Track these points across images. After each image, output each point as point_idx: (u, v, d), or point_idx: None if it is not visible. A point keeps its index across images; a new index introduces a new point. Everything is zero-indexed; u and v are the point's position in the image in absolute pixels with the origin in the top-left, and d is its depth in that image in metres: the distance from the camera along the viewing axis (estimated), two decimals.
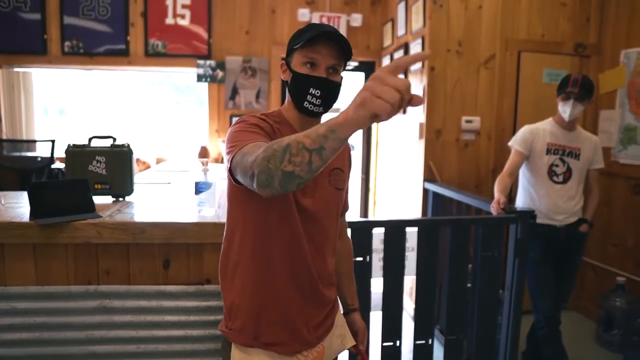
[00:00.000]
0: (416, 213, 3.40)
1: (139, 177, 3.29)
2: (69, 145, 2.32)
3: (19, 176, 3.57)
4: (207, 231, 1.84)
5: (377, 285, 2.08)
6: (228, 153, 1.09)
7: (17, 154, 3.93)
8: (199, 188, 1.92)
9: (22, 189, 3.53)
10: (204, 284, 1.87)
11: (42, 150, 3.95)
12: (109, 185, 2.28)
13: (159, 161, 4.29)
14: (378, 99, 0.77)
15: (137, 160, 4.17)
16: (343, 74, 1.28)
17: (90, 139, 2.34)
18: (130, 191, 2.33)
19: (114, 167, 2.28)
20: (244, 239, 1.26)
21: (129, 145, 2.32)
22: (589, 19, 3.45)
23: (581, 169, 2.56)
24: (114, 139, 2.34)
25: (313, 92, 1.20)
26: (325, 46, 1.18)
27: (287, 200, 1.21)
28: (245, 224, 1.25)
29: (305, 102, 1.22)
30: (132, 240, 1.84)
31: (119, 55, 3.96)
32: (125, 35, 3.95)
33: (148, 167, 4.11)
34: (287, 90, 1.30)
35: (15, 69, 4.03)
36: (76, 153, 2.28)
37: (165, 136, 5.03)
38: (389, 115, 0.78)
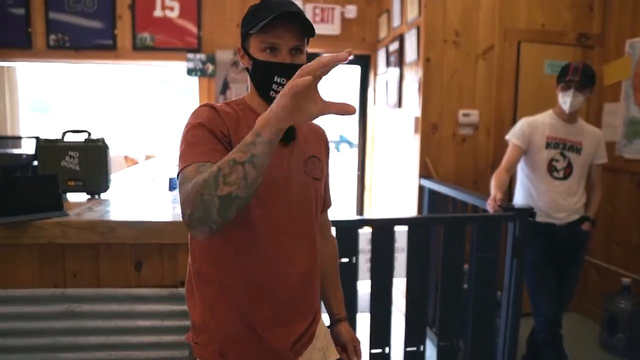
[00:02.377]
0: (412, 211, 3.27)
1: (123, 174, 3.19)
2: (40, 140, 2.21)
3: (1, 174, 3.45)
4: (182, 231, 1.74)
5: (364, 286, 1.95)
6: (178, 166, 1.03)
7: (1, 150, 3.82)
8: (173, 184, 1.81)
9: None
10: (179, 286, 1.78)
11: (28, 147, 3.84)
12: (82, 181, 2.18)
13: (148, 158, 4.18)
14: (289, 86, 0.81)
15: (126, 157, 4.07)
16: (309, 49, 1.16)
17: (63, 134, 2.23)
18: (105, 188, 2.22)
19: (88, 162, 2.17)
20: (204, 244, 1.14)
21: (103, 140, 2.21)
22: (592, 7, 3.31)
23: (583, 164, 2.42)
24: (89, 134, 2.23)
25: (278, 81, 1.09)
26: (285, 28, 1.06)
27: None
28: None
29: (271, 92, 1.10)
30: (101, 240, 1.74)
31: (106, 49, 3.84)
32: (113, 29, 3.83)
33: (136, 163, 4.01)
34: (249, 78, 1.17)
35: (0, 64, 3.93)
36: (48, 148, 2.18)
37: (157, 133, 4.94)
38: (307, 115, 0.85)
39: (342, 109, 0.83)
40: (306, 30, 1.08)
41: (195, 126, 1.06)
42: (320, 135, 1.31)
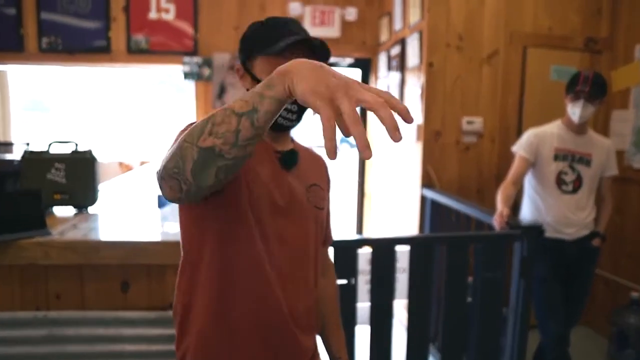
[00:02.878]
0: (413, 222, 3.17)
1: (116, 181, 3.10)
2: (25, 152, 2.12)
3: None
4: (170, 251, 1.65)
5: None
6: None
7: None
8: (162, 201, 1.72)
9: None
10: (167, 309, 1.69)
11: (20, 153, 3.75)
12: (69, 195, 2.09)
13: (142, 164, 4.08)
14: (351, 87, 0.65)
15: (120, 163, 3.97)
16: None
17: (50, 144, 2.14)
18: (92, 201, 2.13)
19: (74, 175, 2.08)
20: (196, 274, 1.03)
21: (91, 151, 2.11)
22: (601, 11, 3.20)
23: (592, 177, 2.32)
24: (76, 145, 2.13)
25: (289, 107, 1.00)
26: (300, 53, 0.97)
27: (249, 222, 0.98)
28: (200, 255, 1.01)
29: (280, 118, 1.01)
30: (84, 261, 1.65)
31: (100, 52, 3.74)
32: (107, 31, 3.73)
33: (130, 169, 3.91)
34: None
35: None
36: (33, 160, 2.09)
37: (154, 137, 4.84)
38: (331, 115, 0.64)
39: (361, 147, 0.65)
40: (319, 56, 1.00)
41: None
42: (322, 166, 1.22)
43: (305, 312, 1.09)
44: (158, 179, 0.81)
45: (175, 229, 1.73)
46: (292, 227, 1.05)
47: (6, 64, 3.77)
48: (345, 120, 0.63)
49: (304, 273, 1.09)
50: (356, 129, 0.62)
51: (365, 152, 0.62)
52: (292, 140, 1.15)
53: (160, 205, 1.72)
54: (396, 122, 0.63)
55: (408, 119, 0.66)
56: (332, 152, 0.63)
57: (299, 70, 0.68)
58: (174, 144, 0.84)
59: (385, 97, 0.65)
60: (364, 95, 0.64)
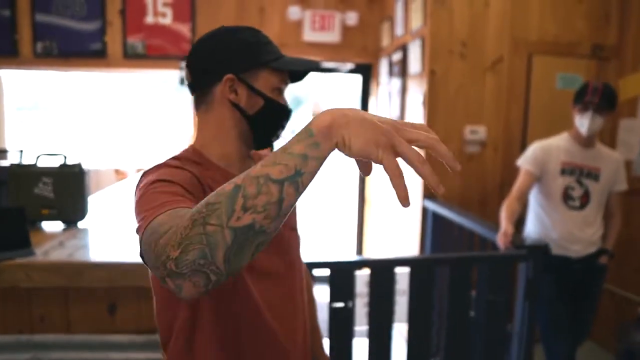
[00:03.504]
0: (414, 235, 3.09)
1: (110, 190, 3.04)
2: (11, 165, 2.05)
3: None
4: None
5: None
6: (137, 231, 0.75)
7: None
8: None
9: None
10: (156, 332, 1.61)
11: (14, 160, 3.67)
12: (57, 209, 2.02)
13: (139, 171, 4.01)
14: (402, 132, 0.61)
15: (116, 170, 3.90)
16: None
17: (37, 157, 2.07)
18: (81, 216, 2.06)
19: (62, 189, 2.01)
20: (190, 345, 0.93)
21: (80, 165, 2.04)
22: (609, 17, 3.11)
23: (601, 192, 2.23)
24: (65, 157, 2.06)
25: (284, 125, 1.00)
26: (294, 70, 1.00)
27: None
28: (192, 324, 0.92)
29: (274, 137, 0.99)
30: (68, 284, 1.58)
31: (96, 56, 3.67)
32: (102, 35, 3.65)
33: (125, 177, 3.84)
34: (230, 119, 0.96)
35: None
36: (20, 174, 2.02)
37: (150, 144, 4.76)
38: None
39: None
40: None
41: (154, 182, 0.82)
42: None
43: (302, 340, 1.04)
44: (166, 277, 0.61)
45: None
46: (278, 258, 0.99)
47: (0, 68, 3.71)
48: (414, 162, 0.59)
49: (294, 303, 1.03)
50: (426, 168, 0.60)
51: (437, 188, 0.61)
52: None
53: None
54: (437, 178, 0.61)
55: (455, 167, 0.62)
56: (406, 200, 0.60)
57: (346, 124, 0.60)
58: (147, 212, 0.73)
59: (433, 138, 0.62)
60: (415, 134, 0.61)
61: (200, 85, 0.97)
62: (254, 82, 0.94)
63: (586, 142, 2.23)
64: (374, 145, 0.59)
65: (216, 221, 0.58)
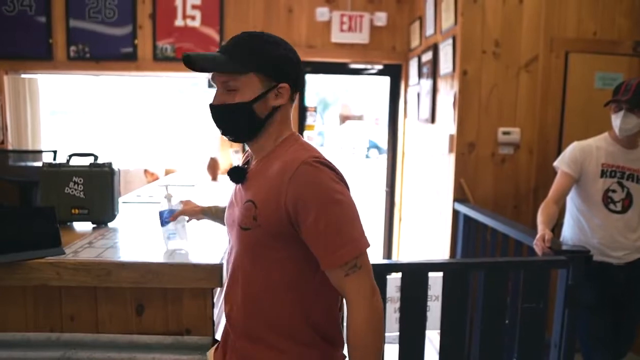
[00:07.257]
0: (445, 239, 3.02)
1: (140, 192, 3.06)
2: (43, 164, 2.08)
3: (18, 190, 3.36)
4: (185, 275, 1.57)
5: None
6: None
7: (22, 164, 3.76)
8: (165, 219, 1.63)
9: (22, 204, 3.33)
10: (184, 334, 1.62)
11: (48, 160, 3.77)
12: (87, 210, 2.03)
13: (167, 172, 4.04)
14: None
15: (146, 171, 3.94)
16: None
17: (69, 157, 2.09)
18: (111, 217, 2.06)
19: (93, 189, 2.02)
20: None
21: (110, 164, 2.05)
22: None
23: None
24: (95, 157, 2.08)
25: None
26: None
27: None
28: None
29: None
30: (97, 283, 1.58)
31: (127, 60, 3.73)
32: (133, 39, 3.71)
33: (157, 178, 3.87)
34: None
35: (22, 75, 3.87)
36: (51, 173, 2.03)
37: (180, 145, 4.81)
38: None
39: None
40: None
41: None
42: (281, 182, 1.02)
43: (242, 322, 1.15)
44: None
45: (183, 245, 1.65)
46: (233, 243, 1.16)
47: (36, 72, 3.81)
48: None
49: (234, 288, 1.17)
50: None
51: None
52: (278, 147, 1.11)
53: (163, 223, 1.63)
54: None
55: None
56: None
57: None
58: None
59: None
60: None
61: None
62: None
63: (628, 143, 2.12)
64: None
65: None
